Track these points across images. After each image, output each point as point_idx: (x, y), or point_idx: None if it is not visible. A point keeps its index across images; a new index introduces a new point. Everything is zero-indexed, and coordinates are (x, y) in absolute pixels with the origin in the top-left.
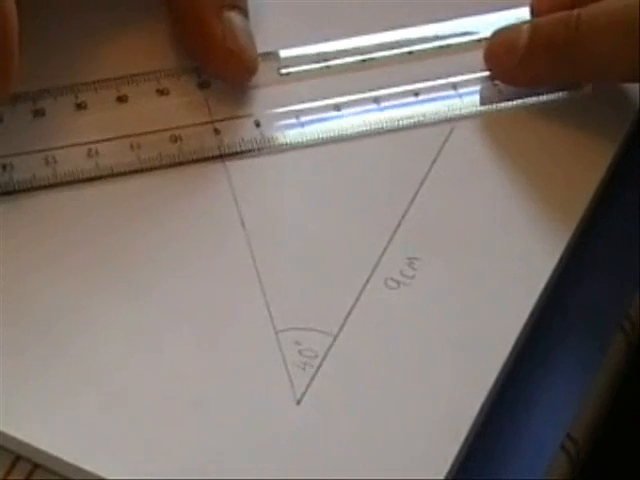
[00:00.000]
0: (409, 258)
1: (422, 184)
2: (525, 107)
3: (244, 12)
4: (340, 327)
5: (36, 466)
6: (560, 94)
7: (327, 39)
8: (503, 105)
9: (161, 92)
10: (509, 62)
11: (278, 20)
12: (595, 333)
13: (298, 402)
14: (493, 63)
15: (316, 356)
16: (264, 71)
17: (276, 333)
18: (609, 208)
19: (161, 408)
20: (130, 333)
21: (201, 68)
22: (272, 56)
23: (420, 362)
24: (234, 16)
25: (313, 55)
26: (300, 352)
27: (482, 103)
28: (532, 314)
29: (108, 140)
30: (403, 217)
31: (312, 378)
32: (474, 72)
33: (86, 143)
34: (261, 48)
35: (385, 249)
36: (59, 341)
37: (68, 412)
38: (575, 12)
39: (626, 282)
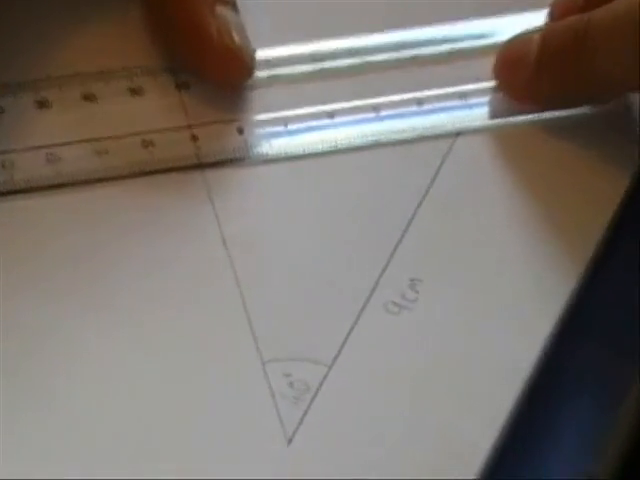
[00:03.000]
0: (411, 279)
1: (423, 199)
2: (539, 122)
3: (235, 8)
4: (335, 357)
5: None
6: (577, 110)
7: (322, 38)
8: (516, 119)
9: (134, 92)
10: (519, 78)
11: (267, 16)
12: (616, 369)
13: (289, 441)
14: (502, 78)
15: (308, 389)
16: None
17: (263, 364)
18: (628, 231)
19: (143, 445)
20: (104, 365)
21: (189, 68)
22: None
23: (424, 396)
24: (227, 12)
25: (305, 56)
26: (290, 385)
27: (493, 116)
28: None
29: (71, 144)
30: (403, 235)
31: (304, 414)
32: (486, 80)
33: (47, 146)
34: None
35: (384, 270)
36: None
37: (42, 446)
38: (585, 16)
39: None
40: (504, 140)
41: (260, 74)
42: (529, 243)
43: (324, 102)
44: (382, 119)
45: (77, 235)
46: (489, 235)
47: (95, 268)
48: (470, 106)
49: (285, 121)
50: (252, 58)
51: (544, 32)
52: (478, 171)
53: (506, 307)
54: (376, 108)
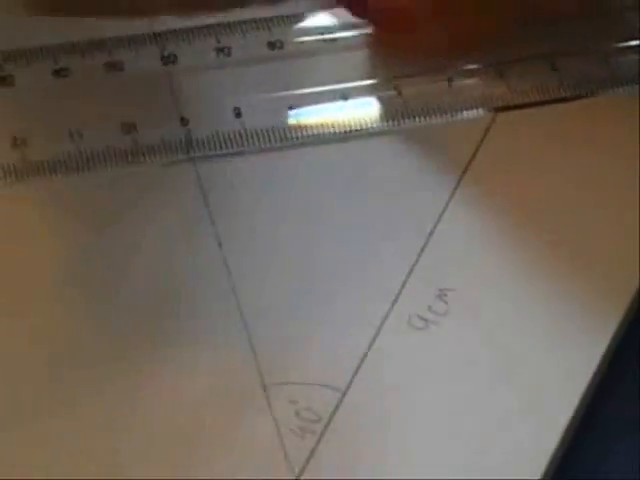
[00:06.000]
0: (440, 289)
1: (454, 194)
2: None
3: None
4: (350, 380)
5: None
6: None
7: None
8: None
9: (112, 66)
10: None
11: None
12: None
13: None
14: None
15: (319, 419)
16: (250, 43)
17: (264, 388)
18: None
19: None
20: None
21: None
22: (262, 24)
23: (454, 428)
24: None
25: (317, 27)
26: (297, 414)
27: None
28: (603, 363)
29: (40, 126)
30: (431, 235)
31: (314, 449)
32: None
33: (11, 129)
34: (247, 13)
35: (408, 277)
36: None
37: None
38: None
39: None
40: (552, 117)
41: (262, 45)
42: (586, 237)
43: (337, 80)
44: (406, 100)
45: (44, 235)
46: (538, 231)
47: (64, 276)
48: (509, 85)
49: (290, 102)
50: None
51: None
52: (522, 153)
53: (558, 319)
54: (398, 86)
